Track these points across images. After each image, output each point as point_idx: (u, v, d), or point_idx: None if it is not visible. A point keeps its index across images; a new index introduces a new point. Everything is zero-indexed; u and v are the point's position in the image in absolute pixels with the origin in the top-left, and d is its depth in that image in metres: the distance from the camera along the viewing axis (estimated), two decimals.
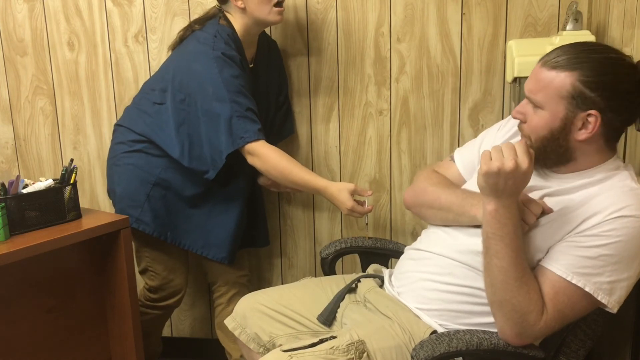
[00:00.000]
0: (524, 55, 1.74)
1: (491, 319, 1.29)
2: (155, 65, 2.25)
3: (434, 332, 1.35)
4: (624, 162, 1.32)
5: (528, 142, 1.27)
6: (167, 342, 2.34)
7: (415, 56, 2.07)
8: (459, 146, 2.10)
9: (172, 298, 2.06)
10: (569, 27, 1.74)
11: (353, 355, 1.28)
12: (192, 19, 2.18)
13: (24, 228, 1.72)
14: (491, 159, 1.17)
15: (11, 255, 1.59)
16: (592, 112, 1.19)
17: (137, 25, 2.24)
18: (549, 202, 1.29)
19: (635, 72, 1.22)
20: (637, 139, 1.52)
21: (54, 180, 1.82)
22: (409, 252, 1.56)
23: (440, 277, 1.38)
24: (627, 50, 1.58)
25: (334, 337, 1.34)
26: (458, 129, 2.09)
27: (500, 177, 1.17)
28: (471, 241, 1.36)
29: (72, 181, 1.83)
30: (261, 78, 2.02)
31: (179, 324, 2.48)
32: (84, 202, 2.14)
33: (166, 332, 2.47)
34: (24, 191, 1.74)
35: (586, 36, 1.71)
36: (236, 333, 1.60)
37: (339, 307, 1.52)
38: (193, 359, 2.46)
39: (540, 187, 1.32)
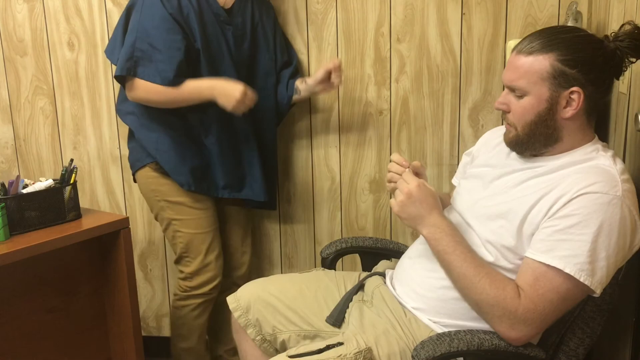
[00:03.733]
0: None
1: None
2: None
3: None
4: (621, 160, 1.33)
5: (513, 130, 1.32)
6: (167, 342, 2.34)
7: (415, 56, 2.07)
8: (458, 146, 2.10)
9: (210, 284, 2.03)
10: None
11: None
12: None
13: (24, 228, 1.73)
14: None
15: (11, 255, 1.59)
16: (575, 88, 1.24)
17: None
18: (534, 183, 1.30)
19: (603, 46, 1.27)
20: (637, 139, 1.52)
21: (54, 180, 1.82)
22: (407, 251, 1.56)
23: (437, 273, 1.38)
24: None
25: (340, 344, 1.33)
26: (458, 129, 2.09)
27: (406, 208, 1.32)
28: (468, 234, 1.37)
29: (72, 181, 1.83)
30: (237, 23, 1.95)
31: None
32: (84, 202, 2.14)
33: (166, 332, 2.47)
34: (24, 191, 1.74)
35: None
36: (236, 314, 1.58)
37: (347, 307, 1.52)
38: None
39: (525, 168, 1.35)
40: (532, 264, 1.23)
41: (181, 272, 2.05)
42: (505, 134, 1.38)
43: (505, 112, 1.35)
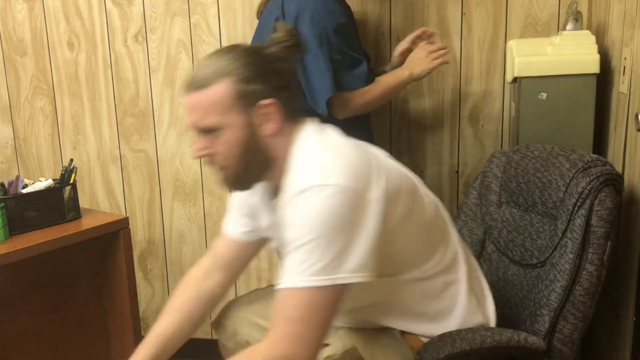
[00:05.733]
0: (524, 55, 1.74)
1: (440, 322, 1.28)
2: (155, 65, 2.25)
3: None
4: (332, 126, 1.23)
5: (227, 171, 1.20)
6: None
7: None
8: (458, 146, 2.10)
9: None
10: (569, 27, 1.74)
11: None
12: (192, 19, 2.19)
13: (24, 228, 1.73)
14: None
15: (11, 255, 1.59)
16: (264, 102, 1.15)
17: (136, 25, 2.24)
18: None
19: (268, 52, 1.19)
20: (637, 139, 1.52)
21: (53, 180, 1.82)
22: None
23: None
24: (627, 51, 1.58)
25: (326, 345, 1.29)
26: (458, 129, 2.09)
27: None
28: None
29: (71, 181, 1.83)
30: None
31: None
32: (83, 202, 2.14)
33: None
34: (24, 191, 1.74)
35: (586, 36, 1.71)
36: (223, 340, 1.54)
37: None
38: (193, 359, 2.46)
39: (279, 221, 1.21)
40: (276, 296, 1.12)
41: None
42: (223, 181, 1.24)
43: (209, 159, 1.21)
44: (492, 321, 1.36)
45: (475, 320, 1.32)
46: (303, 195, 1.09)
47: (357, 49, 1.76)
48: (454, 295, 1.31)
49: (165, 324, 1.38)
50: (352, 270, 1.09)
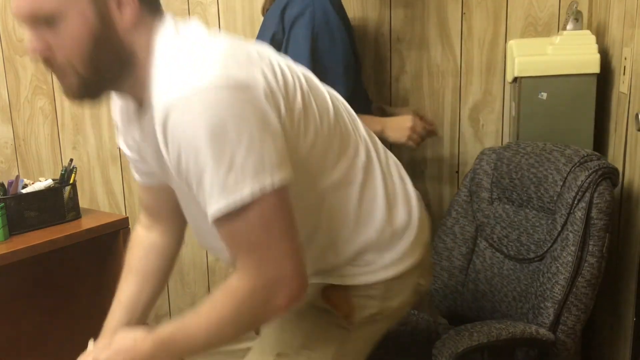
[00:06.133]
0: (525, 55, 1.74)
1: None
2: None
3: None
4: (195, 22, 1.07)
5: (74, 74, 0.97)
6: None
7: (415, 56, 2.07)
8: (458, 146, 2.10)
9: None
10: (569, 26, 1.74)
11: None
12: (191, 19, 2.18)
13: (24, 228, 1.72)
14: None
15: (11, 255, 1.59)
16: None
17: None
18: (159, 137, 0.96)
19: None
20: (638, 139, 1.52)
21: (53, 180, 1.82)
22: None
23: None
24: (627, 51, 1.58)
25: (249, 349, 1.20)
26: (458, 129, 2.09)
27: None
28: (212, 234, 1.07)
29: (71, 181, 1.83)
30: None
31: None
32: (83, 202, 2.14)
33: None
34: (24, 191, 1.74)
35: (586, 36, 1.71)
36: None
37: None
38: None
39: (152, 127, 0.97)
40: (216, 229, 0.96)
41: None
42: (66, 89, 1.00)
43: (47, 59, 0.96)
44: (415, 217, 1.18)
45: (400, 218, 1.16)
46: (178, 110, 0.89)
47: (346, 68, 1.66)
48: (371, 198, 1.13)
49: (125, 290, 1.29)
50: (276, 164, 0.92)
